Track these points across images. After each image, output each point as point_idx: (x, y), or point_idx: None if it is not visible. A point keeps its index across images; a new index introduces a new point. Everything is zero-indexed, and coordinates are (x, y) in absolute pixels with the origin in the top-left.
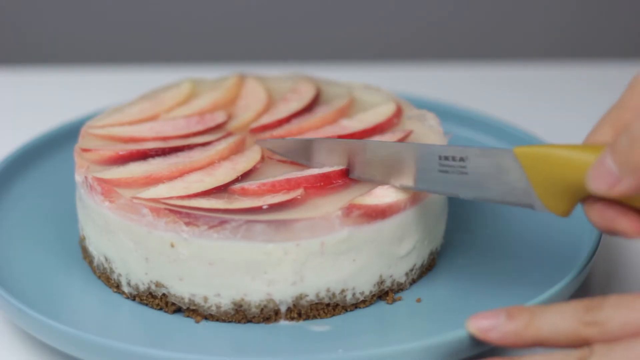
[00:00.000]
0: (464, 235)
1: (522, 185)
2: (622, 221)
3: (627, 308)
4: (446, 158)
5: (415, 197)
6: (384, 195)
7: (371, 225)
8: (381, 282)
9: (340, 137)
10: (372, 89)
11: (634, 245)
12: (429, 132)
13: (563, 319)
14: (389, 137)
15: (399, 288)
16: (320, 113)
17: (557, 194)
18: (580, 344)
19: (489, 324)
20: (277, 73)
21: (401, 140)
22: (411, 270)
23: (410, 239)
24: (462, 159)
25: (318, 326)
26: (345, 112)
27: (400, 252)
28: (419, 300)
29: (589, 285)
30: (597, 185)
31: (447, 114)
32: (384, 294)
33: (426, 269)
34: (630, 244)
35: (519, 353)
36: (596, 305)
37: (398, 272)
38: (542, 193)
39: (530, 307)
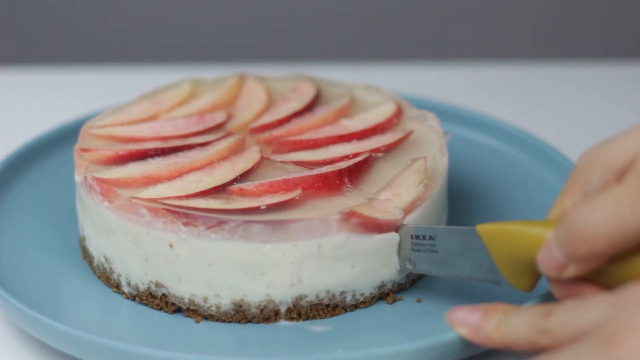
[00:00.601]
0: None
1: (487, 262)
2: (584, 290)
3: (571, 311)
4: (417, 237)
5: (412, 205)
6: (384, 210)
7: (369, 236)
8: (382, 285)
9: (340, 137)
10: (372, 89)
11: None
12: (429, 132)
13: (524, 325)
14: (389, 137)
15: (399, 288)
16: (320, 113)
17: (518, 270)
18: (538, 351)
19: (464, 322)
20: (277, 73)
21: (402, 139)
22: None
23: None
24: (431, 238)
25: (318, 326)
26: (346, 112)
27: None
28: (419, 301)
29: None
30: (546, 269)
31: (447, 114)
32: (385, 295)
33: None
34: None
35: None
36: (549, 311)
37: (400, 274)
38: (504, 269)
39: (505, 306)
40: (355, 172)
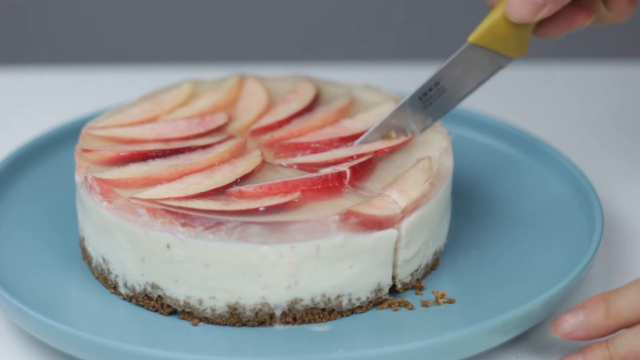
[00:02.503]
0: (465, 235)
1: (488, 58)
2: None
3: None
4: (424, 95)
5: (417, 202)
6: (382, 206)
7: (368, 235)
8: (378, 289)
9: (342, 138)
10: (371, 88)
11: (634, 245)
12: (432, 132)
13: (634, 301)
14: (392, 140)
15: (404, 288)
16: (321, 113)
17: (514, 43)
18: None
19: (572, 326)
20: (275, 73)
21: (405, 142)
22: (416, 270)
23: (416, 241)
24: (437, 83)
25: (318, 326)
26: (346, 112)
27: (407, 255)
28: (418, 293)
29: (588, 285)
30: (525, 14)
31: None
32: (381, 301)
33: (430, 269)
34: (630, 244)
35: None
36: None
37: (403, 272)
38: (505, 50)
39: (602, 295)
40: (360, 172)
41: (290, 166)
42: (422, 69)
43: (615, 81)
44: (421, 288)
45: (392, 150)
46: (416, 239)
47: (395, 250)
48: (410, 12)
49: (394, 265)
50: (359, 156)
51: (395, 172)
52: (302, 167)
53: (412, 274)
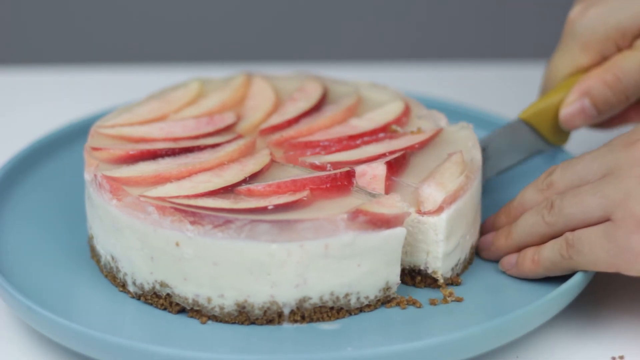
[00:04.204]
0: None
1: (531, 138)
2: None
3: (570, 170)
4: None
5: (456, 194)
6: (391, 205)
7: (376, 233)
8: (387, 288)
9: (350, 137)
10: (378, 87)
11: None
12: (457, 128)
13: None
14: (420, 136)
15: (446, 283)
16: (329, 112)
17: (558, 131)
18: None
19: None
20: (281, 72)
21: (434, 136)
22: (456, 265)
23: (456, 234)
24: (484, 149)
25: (327, 324)
26: (354, 111)
27: (448, 248)
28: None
29: (590, 285)
30: (575, 125)
31: (454, 113)
32: (389, 300)
33: (467, 263)
34: None
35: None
36: (548, 184)
37: (445, 267)
38: (549, 136)
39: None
40: (395, 167)
41: (323, 165)
42: (427, 69)
43: None
44: (458, 283)
45: (422, 145)
46: (455, 231)
47: (436, 243)
48: (415, 11)
49: (436, 259)
50: (391, 152)
51: (428, 166)
52: (335, 165)
53: (452, 269)
